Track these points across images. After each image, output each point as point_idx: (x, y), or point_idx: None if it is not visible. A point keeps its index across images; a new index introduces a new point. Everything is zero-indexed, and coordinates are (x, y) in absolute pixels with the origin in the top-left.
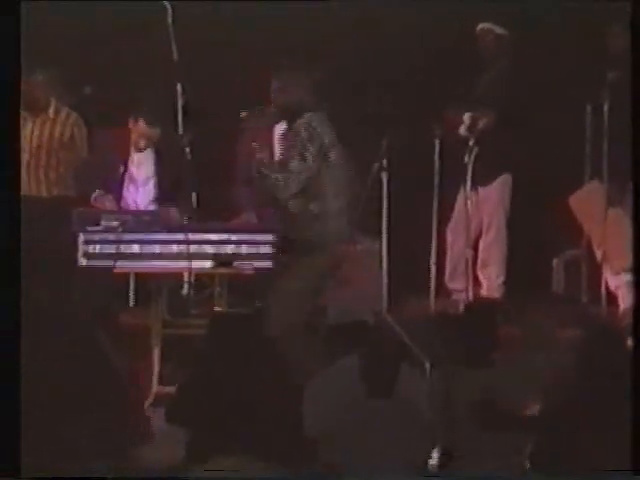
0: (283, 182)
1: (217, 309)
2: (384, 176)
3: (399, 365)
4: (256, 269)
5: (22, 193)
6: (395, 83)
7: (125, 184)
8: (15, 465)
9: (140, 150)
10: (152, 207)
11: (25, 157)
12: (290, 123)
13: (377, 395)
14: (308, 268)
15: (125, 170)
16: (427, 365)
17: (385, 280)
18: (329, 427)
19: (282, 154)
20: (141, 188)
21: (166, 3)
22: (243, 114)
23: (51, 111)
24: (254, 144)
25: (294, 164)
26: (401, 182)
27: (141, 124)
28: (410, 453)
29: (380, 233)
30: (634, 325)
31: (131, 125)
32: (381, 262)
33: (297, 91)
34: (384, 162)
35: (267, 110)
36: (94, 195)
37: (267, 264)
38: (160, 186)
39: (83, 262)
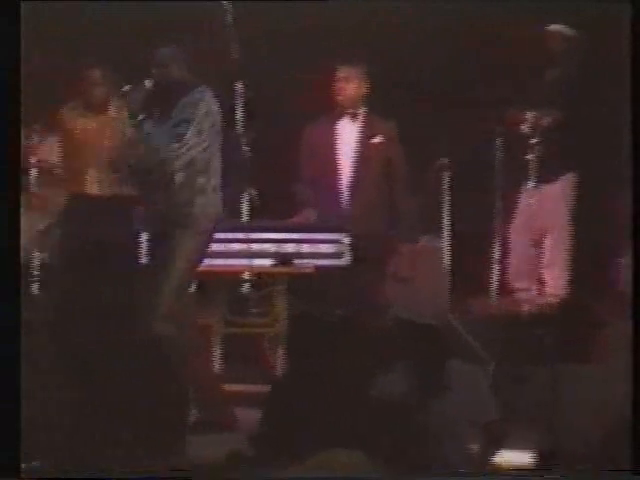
0: None
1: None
2: (446, 174)
3: (461, 364)
4: (317, 267)
5: (86, 192)
6: (458, 81)
7: None
8: (15, 465)
9: None
10: None
11: (87, 157)
12: (353, 118)
13: (443, 394)
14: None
15: None
16: (491, 364)
17: (447, 279)
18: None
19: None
20: None
21: (226, 2)
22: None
23: (112, 110)
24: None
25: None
26: (464, 180)
27: None
28: (477, 453)
29: (442, 232)
30: (634, 325)
31: None
32: (444, 261)
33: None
34: (446, 160)
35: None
36: None
37: (328, 262)
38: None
39: (145, 261)
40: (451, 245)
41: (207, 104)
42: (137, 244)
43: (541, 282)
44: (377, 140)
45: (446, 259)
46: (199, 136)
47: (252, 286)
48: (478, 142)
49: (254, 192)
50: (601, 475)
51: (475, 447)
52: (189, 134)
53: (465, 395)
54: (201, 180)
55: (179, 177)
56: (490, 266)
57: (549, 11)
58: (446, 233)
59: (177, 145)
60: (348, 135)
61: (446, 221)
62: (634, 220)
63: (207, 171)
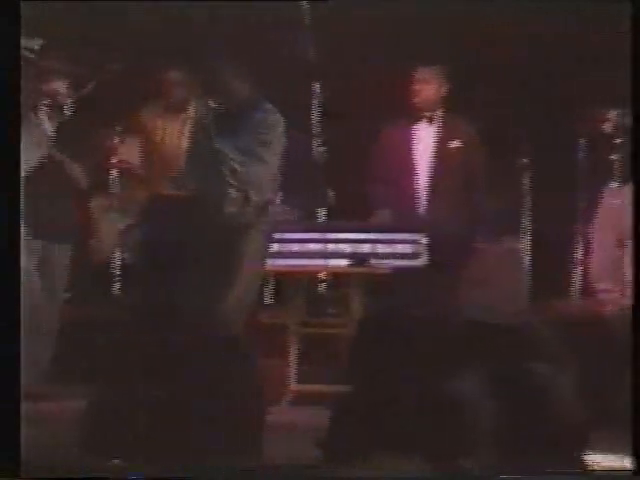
0: None
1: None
2: (526, 175)
3: (541, 366)
4: (393, 268)
5: (166, 192)
6: (538, 80)
7: None
8: (15, 465)
9: None
10: (284, 204)
11: (166, 157)
12: (430, 119)
13: (518, 395)
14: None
15: None
16: (570, 366)
17: (527, 280)
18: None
19: None
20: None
21: (303, 3)
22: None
23: (191, 110)
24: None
25: None
26: (545, 180)
27: None
28: (561, 455)
29: (523, 233)
30: (634, 324)
31: None
32: (523, 262)
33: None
34: (526, 160)
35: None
36: None
37: (404, 263)
38: (293, 185)
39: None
40: (532, 246)
41: (280, 125)
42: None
43: (624, 283)
44: (455, 141)
45: (526, 260)
46: (273, 157)
47: (328, 286)
48: (560, 142)
49: (330, 193)
50: (601, 475)
51: (559, 448)
52: (266, 156)
53: (545, 397)
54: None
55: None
56: (572, 267)
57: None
58: (526, 234)
59: (254, 165)
60: (426, 136)
61: (526, 222)
62: (634, 220)
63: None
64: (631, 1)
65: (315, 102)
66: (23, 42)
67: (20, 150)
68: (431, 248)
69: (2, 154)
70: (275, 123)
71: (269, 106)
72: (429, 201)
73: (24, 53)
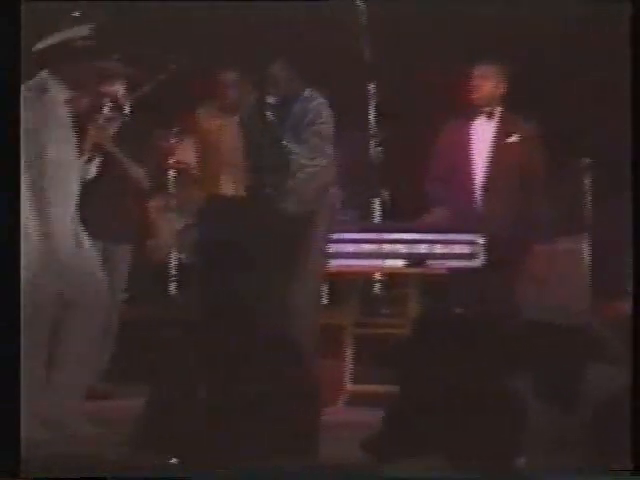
0: None
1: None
2: (587, 174)
3: (600, 366)
4: (449, 269)
5: (222, 192)
6: (600, 78)
7: None
8: (15, 465)
9: None
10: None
11: (222, 158)
12: (489, 117)
13: (576, 397)
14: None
15: None
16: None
17: (587, 280)
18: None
19: None
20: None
21: (360, 3)
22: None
23: (249, 108)
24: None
25: None
26: (604, 179)
27: None
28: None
29: (583, 233)
30: (634, 324)
31: None
32: (583, 262)
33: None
34: (587, 160)
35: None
36: None
37: (461, 264)
38: (344, 184)
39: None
40: (592, 246)
41: (331, 118)
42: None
43: None
44: (514, 139)
45: (586, 260)
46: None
47: (384, 287)
48: (621, 141)
49: (386, 193)
50: (601, 475)
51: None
52: (325, 148)
53: (605, 397)
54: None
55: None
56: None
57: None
58: (587, 234)
59: (317, 158)
60: (484, 134)
61: (587, 222)
62: (634, 220)
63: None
64: (631, 1)
65: (371, 102)
66: (71, 33)
67: (20, 150)
68: (489, 248)
69: (2, 154)
70: (329, 116)
71: (322, 100)
72: (487, 200)
73: (75, 44)
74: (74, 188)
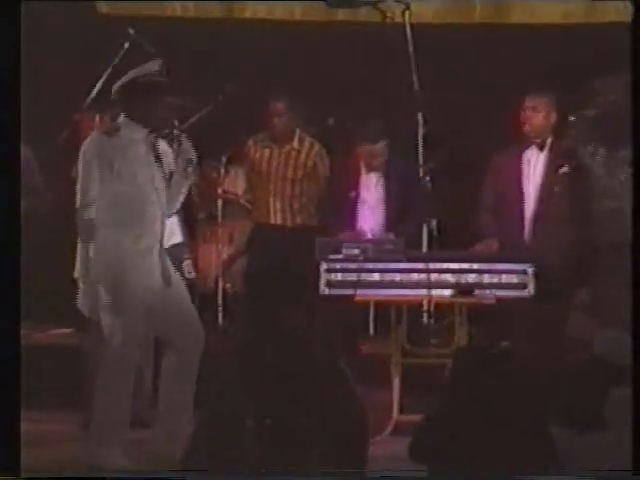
0: None
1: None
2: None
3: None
4: (498, 299)
5: (270, 222)
6: None
7: (359, 209)
8: (15, 465)
9: (370, 171)
10: (386, 233)
11: (271, 187)
12: (540, 147)
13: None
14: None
15: (358, 194)
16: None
17: None
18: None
19: None
20: (374, 212)
21: (408, 29)
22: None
23: (295, 141)
24: None
25: None
26: None
27: (365, 144)
28: None
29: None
30: (634, 323)
31: (360, 147)
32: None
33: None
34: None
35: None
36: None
37: (511, 293)
38: (392, 212)
39: (325, 291)
40: None
41: None
42: (318, 274)
43: None
44: (565, 170)
45: None
46: None
47: (431, 316)
48: None
49: (434, 222)
50: (601, 475)
51: None
52: None
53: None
54: None
55: None
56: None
57: None
58: None
59: None
60: (535, 165)
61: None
62: (634, 220)
63: None
64: (631, 1)
65: (420, 131)
66: (142, 69)
67: (20, 150)
68: (539, 278)
69: (2, 154)
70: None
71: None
72: (537, 230)
73: (149, 78)
74: (158, 224)
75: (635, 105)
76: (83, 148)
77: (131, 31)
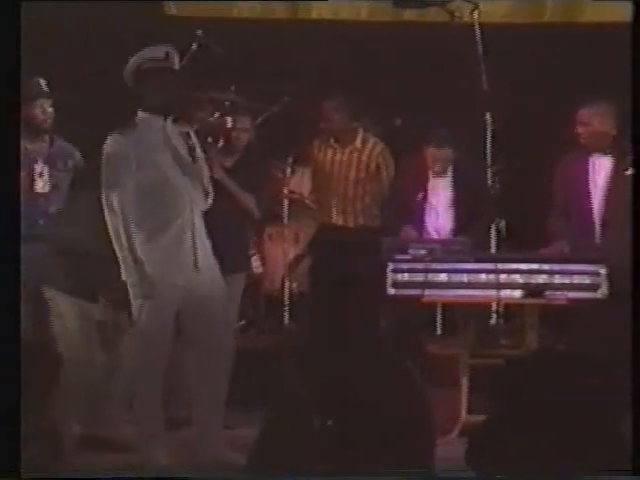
0: None
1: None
2: None
3: None
4: (569, 300)
5: (334, 223)
6: None
7: (426, 211)
8: (15, 465)
9: (437, 176)
10: (452, 235)
11: (333, 188)
12: (600, 153)
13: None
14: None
15: (425, 197)
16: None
17: None
18: None
19: None
20: (442, 215)
21: (477, 29)
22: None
23: (358, 141)
24: None
25: None
26: None
27: (432, 149)
28: None
29: None
30: (634, 323)
31: (427, 151)
32: None
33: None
34: None
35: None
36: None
37: (582, 295)
38: (460, 216)
39: (392, 291)
40: None
41: None
42: (384, 275)
43: None
44: (631, 171)
45: None
46: None
47: (500, 317)
48: None
49: (502, 223)
50: (601, 475)
51: None
52: None
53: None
54: None
55: None
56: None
57: None
58: None
59: None
60: (601, 166)
61: None
62: (634, 220)
63: None
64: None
65: (488, 132)
66: (144, 54)
67: (20, 150)
68: (611, 280)
69: (2, 154)
70: None
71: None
72: (607, 232)
73: (155, 65)
74: (189, 217)
75: (635, 105)
76: (105, 150)
77: (199, 32)
